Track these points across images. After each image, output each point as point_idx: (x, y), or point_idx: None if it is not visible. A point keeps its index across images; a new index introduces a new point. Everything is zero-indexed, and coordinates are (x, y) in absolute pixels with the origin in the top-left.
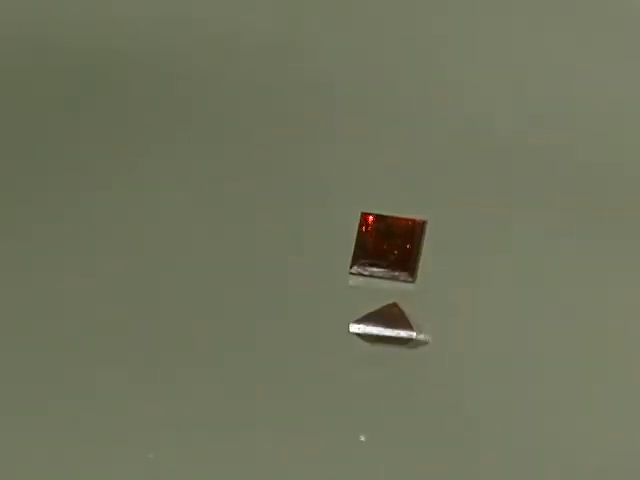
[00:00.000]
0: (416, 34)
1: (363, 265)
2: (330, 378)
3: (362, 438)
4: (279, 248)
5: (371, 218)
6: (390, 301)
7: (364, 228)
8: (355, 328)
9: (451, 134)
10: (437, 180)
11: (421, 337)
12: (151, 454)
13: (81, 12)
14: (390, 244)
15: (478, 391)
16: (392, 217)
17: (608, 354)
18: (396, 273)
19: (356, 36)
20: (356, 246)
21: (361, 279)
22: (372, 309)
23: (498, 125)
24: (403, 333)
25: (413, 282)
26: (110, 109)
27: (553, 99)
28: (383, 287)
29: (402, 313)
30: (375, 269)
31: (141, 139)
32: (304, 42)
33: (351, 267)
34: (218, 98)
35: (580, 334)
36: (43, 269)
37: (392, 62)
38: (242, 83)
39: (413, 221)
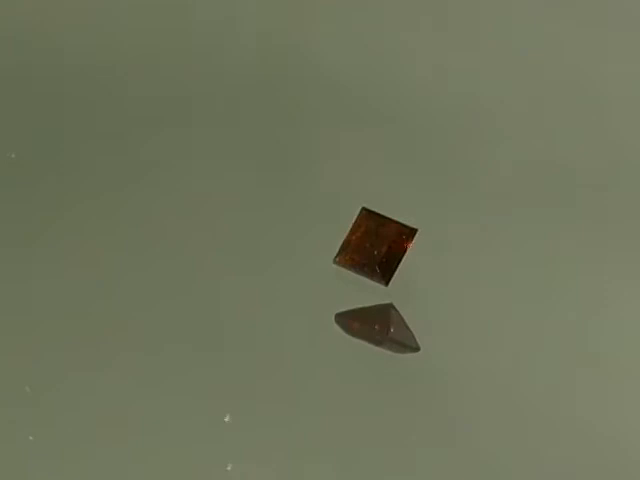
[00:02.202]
0: (416, 34)
1: (345, 258)
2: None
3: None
4: (279, 240)
5: (365, 214)
6: (365, 297)
7: (357, 223)
8: (339, 320)
9: (452, 136)
10: (438, 183)
11: (394, 343)
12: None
13: (81, 11)
14: (374, 244)
15: (467, 395)
16: (386, 218)
17: (602, 357)
18: (371, 273)
19: (357, 36)
20: (346, 238)
21: (343, 271)
22: (348, 301)
23: (498, 125)
24: (377, 336)
25: (385, 286)
26: (110, 109)
27: (555, 101)
28: (365, 283)
29: (391, 315)
30: (355, 264)
31: (141, 139)
32: (304, 41)
33: (335, 257)
34: (218, 97)
35: (570, 339)
36: (43, 268)
37: (394, 62)
38: (242, 82)
39: (403, 227)
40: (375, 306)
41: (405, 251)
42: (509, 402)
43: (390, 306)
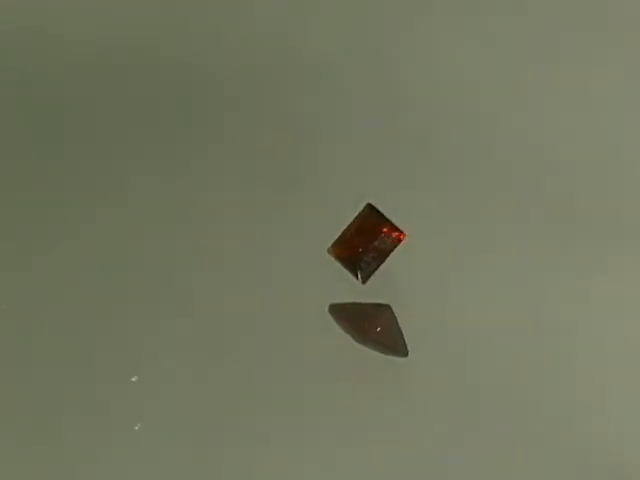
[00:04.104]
0: (417, 33)
1: (336, 250)
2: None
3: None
4: (280, 235)
5: (367, 211)
6: (365, 295)
7: (357, 219)
8: (332, 310)
9: (452, 137)
10: (438, 184)
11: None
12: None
13: (82, 12)
14: (362, 242)
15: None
16: (383, 218)
17: (598, 356)
18: (352, 269)
19: (357, 36)
20: (343, 232)
21: (335, 262)
22: (348, 297)
23: (499, 127)
24: (363, 334)
25: (363, 284)
26: (110, 109)
27: (555, 103)
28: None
29: (383, 317)
30: (342, 258)
31: (141, 139)
32: (304, 41)
33: (329, 248)
34: (218, 96)
35: (560, 339)
36: (43, 268)
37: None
38: (242, 81)
39: (394, 230)
40: (371, 304)
41: (388, 254)
42: (503, 404)
43: (386, 307)
